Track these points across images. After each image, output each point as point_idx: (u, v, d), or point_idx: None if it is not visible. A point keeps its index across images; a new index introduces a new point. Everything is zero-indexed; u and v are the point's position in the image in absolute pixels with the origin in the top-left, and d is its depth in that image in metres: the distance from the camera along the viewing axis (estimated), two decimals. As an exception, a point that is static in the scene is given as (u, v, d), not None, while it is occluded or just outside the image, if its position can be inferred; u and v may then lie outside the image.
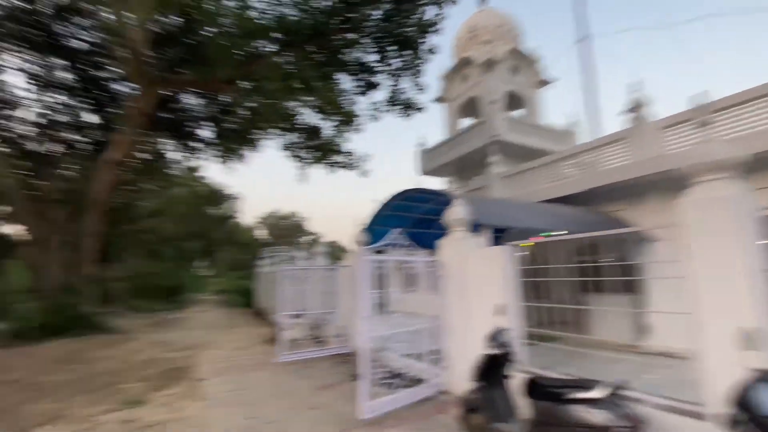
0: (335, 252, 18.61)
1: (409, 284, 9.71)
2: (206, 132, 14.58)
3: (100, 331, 10.20)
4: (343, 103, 12.17)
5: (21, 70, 11.49)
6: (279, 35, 10.38)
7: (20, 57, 11.22)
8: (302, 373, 6.28)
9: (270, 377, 6.10)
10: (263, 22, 10.06)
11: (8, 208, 13.14)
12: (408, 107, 12.66)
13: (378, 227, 7.25)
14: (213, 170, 57.22)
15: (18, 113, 11.94)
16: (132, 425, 4.25)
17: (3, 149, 11.35)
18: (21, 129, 12.01)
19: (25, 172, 11.65)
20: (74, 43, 11.66)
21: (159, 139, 14.42)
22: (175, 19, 10.75)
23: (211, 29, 10.28)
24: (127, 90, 12.46)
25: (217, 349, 8.43)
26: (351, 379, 5.79)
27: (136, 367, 6.90)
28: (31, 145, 12.11)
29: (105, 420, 4.39)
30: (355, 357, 6.80)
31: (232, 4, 9.95)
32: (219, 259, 34.24)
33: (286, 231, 45.56)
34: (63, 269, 10.99)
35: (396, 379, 5.32)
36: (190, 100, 13.82)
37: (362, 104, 20.01)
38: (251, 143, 14.47)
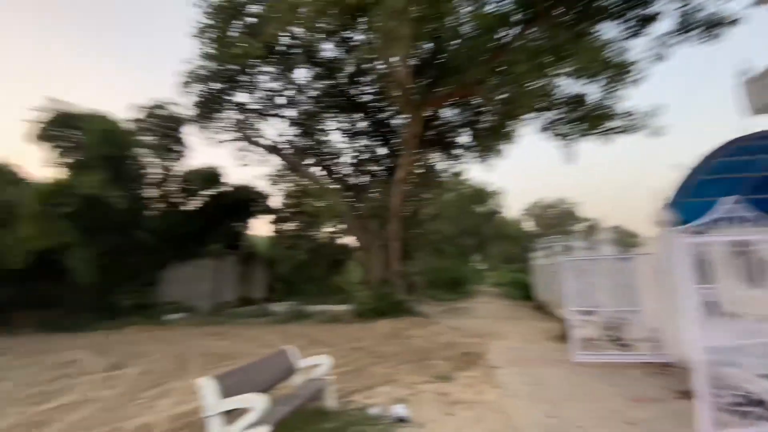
0: (623, 238, 15.54)
1: (758, 276, 6.69)
2: (464, 138, 15.87)
3: (410, 314, 12.66)
4: (610, 56, 10.05)
5: (338, 129, 16.76)
6: (519, 16, 9.86)
7: (336, 120, 16.40)
8: (605, 378, 5.46)
9: (566, 376, 5.65)
10: (501, 9, 9.85)
11: (345, 226, 18.76)
12: (712, 26, 9.01)
13: (690, 199, 5.43)
14: (474, 171, 61.20)
15: (341, 159, 17.28)
16: (445, 398, 4.92)
17: (337, 186, 16.48)
18: (344, 170, 17.26)
19: (350, 199, 16.31)
20: (363, 98, 15.60)
21: (429, 155, 16.83)
22: (425, 47, 12.26)
23: (455, 41, 11.03)
24: (401, 121, 15.34)
25: (504, 339, 8.71)
26: (677, 396, 4.56)
27: (439, 347, 8.07)
28: (351, 180, 17.05)
29: (424, 389, 5.30)
30: (676, 369, 5.38)
31: (468, 9, 10.31)
32: (491, 253, 36.00)
33: (555, 220, 42.59)
34: (381, 266, 14.53)
35: (757, 408, 3.76)
36: (446, 114, 15.38)
37: (637, 48, 15.87)
38: (506, 136, 14.41)
